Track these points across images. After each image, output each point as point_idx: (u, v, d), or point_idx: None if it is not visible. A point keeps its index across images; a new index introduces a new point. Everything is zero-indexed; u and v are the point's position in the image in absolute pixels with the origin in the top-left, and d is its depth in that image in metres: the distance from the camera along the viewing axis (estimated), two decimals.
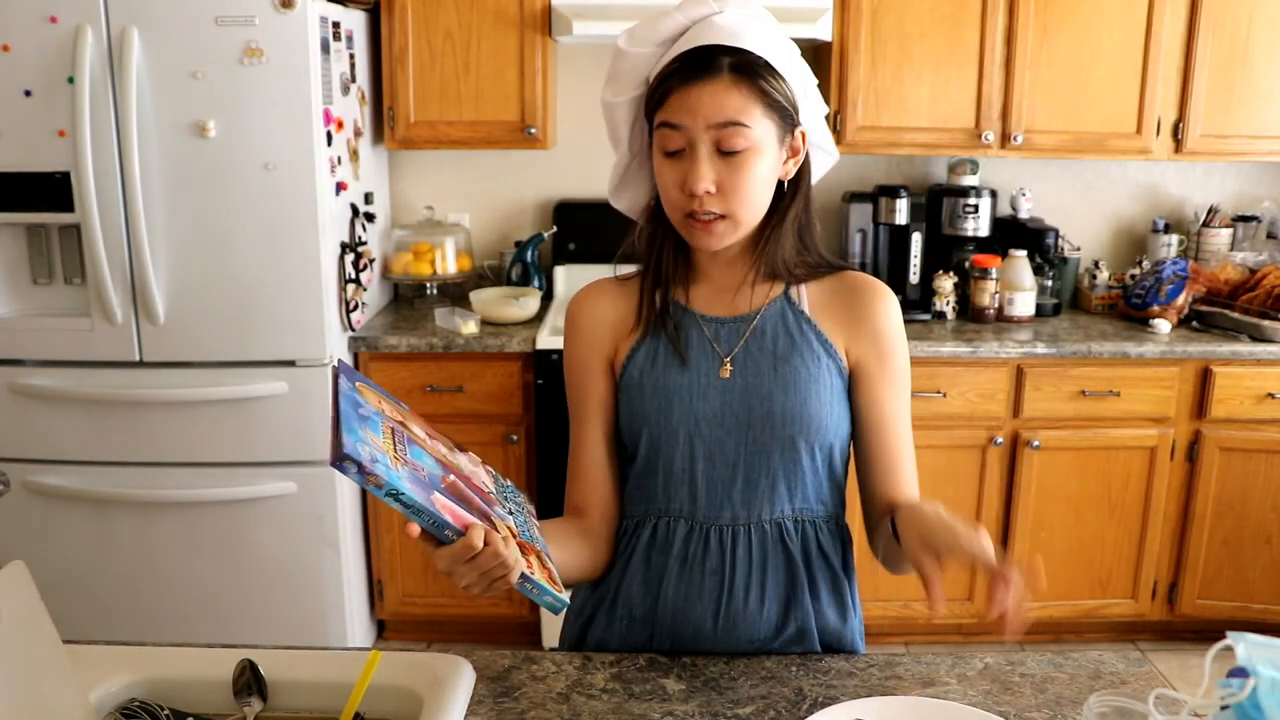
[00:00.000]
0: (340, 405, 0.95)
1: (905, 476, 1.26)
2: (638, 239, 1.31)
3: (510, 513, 1.08)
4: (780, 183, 1.22)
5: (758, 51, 1.14)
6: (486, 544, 0.96)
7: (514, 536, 1.02)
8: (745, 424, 1.23)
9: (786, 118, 1.17)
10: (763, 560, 1.24)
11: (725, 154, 1.14)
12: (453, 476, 1.02)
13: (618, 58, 1.22)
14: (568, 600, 1.06)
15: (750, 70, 1.13)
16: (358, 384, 1.04)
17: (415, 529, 0.94)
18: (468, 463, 1.11)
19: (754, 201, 1.18)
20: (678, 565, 1.25)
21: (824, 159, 1.30)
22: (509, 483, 1.18)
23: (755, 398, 1.22)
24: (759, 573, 1.24)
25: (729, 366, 1.24)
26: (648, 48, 1.20)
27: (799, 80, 1.20)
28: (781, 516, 1.25)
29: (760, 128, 1.14)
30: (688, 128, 1.14)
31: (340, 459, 0.88)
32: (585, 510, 1.30)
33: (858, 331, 1.26)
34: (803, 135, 1.21)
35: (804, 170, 1.24)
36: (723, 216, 1.17)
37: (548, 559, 1.09)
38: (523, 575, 1.00)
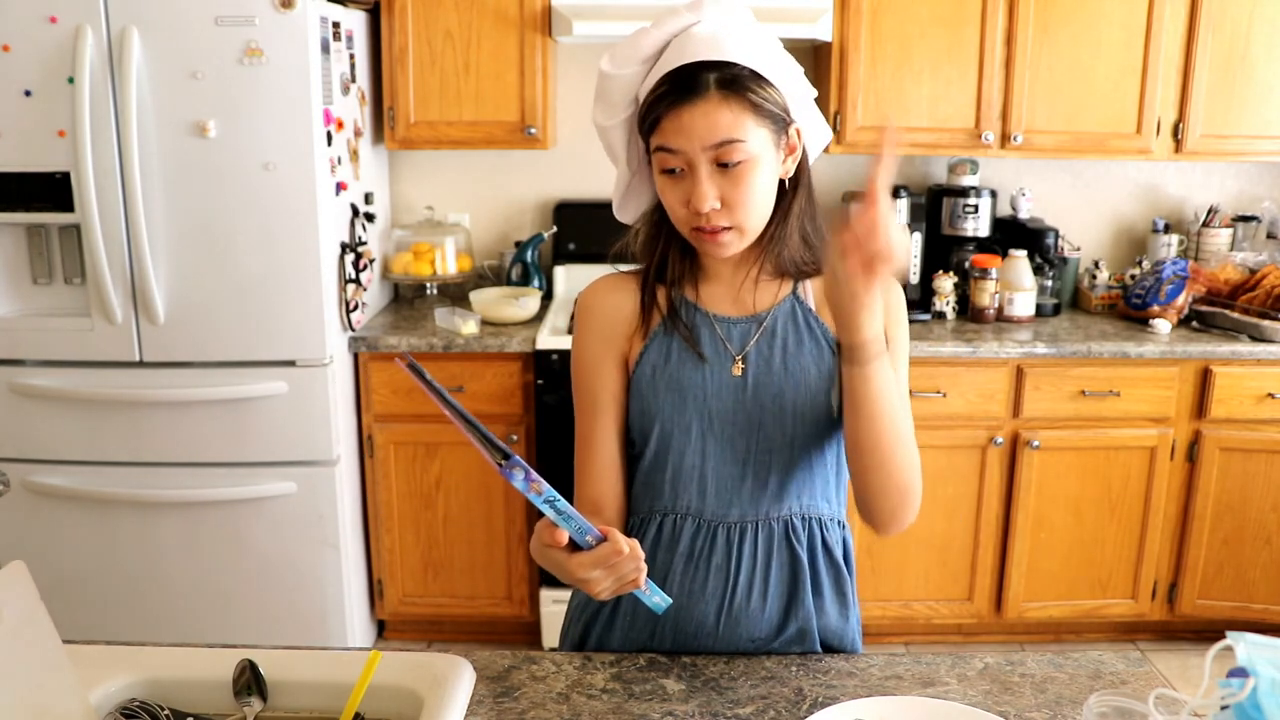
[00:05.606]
0: (456, 406, 0.93)
1: None
2: (634, 242, 1.31)
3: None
4: (782, 181, 1.22)
5: (743, 62, 1.13)
6: None
7: None
8: (757, 422, 1.23)
9: (779, 121, 1.17)
10: (767, 558, 1.24)
11: (724, 167, 1.14)
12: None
13: (603, 80, 1.21)
14: (671, 600, 1.08)
15: (737, 84, 1.13)
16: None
17: (564, 535, 0.95)
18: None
19: (759, 209, 1.18)
20: (682, 563, 1.25)
21: (819, 140, 1.28)
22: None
23: (767, 396, 1.23)
24: (763, 570, 1.24)
25: (740, 364, 1.24)
26: (631, 67, 1.19)
27: (785, 78, 1.18)
28: (789, 514, 1.25)
29: (755, 138, 1.14)
30: (684, 150, 1.14)
31: (510, 464, 0.89)
32: (602, 507, 1.28)
33: None
34: (797, 132, 1.21)
35: (802, 164, 1.24)
36: (729, 227, 1.17)
37: None
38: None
